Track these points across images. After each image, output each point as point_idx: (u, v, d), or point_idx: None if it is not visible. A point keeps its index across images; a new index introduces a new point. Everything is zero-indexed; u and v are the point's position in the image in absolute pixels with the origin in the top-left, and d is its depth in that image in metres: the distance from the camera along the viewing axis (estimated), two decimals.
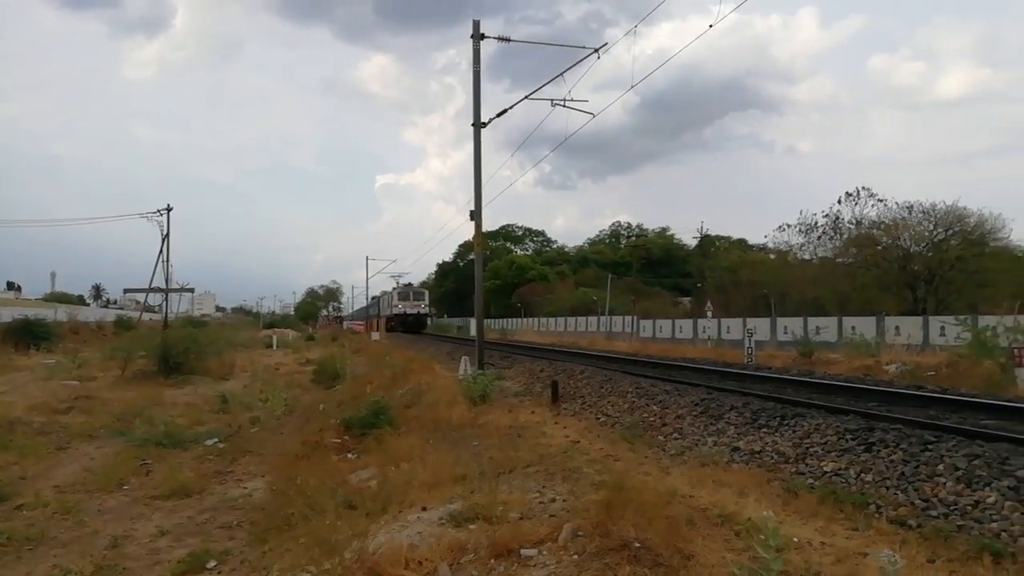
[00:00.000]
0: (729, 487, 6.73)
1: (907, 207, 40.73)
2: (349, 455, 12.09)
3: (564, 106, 18.16)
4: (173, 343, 26.97)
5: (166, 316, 47.96)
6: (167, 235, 46.07)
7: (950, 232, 38.81)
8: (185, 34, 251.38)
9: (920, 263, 38.98)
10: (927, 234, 39.42)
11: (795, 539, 5.29)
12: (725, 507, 6.02)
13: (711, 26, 12.67)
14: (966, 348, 18.66)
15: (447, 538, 6.19)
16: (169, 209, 46.15)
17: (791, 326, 33.80)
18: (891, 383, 13.00)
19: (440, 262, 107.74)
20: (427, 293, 71.90)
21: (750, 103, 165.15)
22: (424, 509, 7.39)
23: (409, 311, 64.74)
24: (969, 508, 5.43)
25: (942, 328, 25.88)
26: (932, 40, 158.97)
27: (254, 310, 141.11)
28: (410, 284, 75.33)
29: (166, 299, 48.00)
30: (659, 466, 7.87)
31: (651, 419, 10.31)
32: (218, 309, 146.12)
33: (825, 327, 31.94)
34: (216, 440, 14.61)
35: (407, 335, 56.95)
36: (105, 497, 10.22)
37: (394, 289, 69.99)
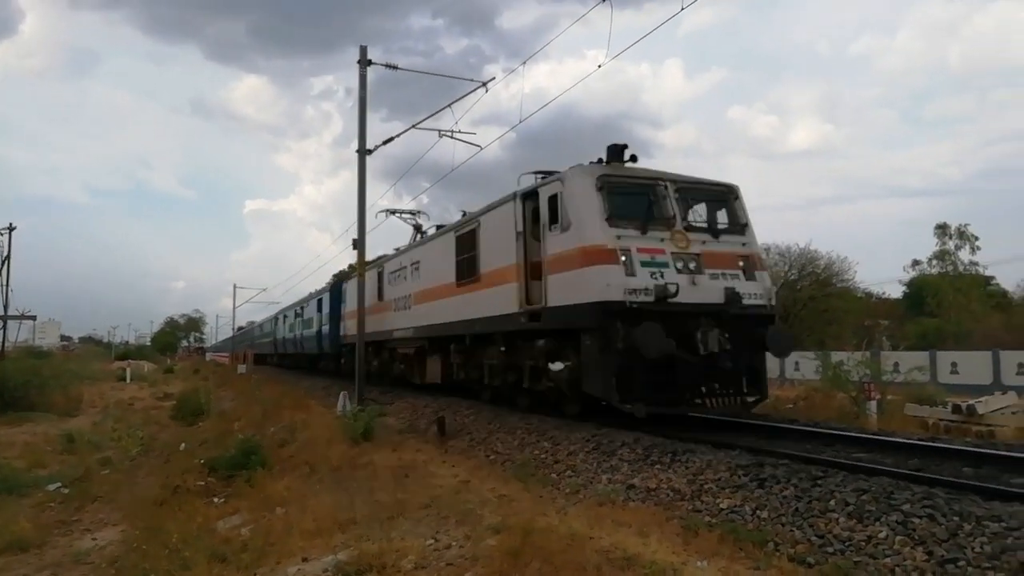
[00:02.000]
0: (628, 526, 6.61)
1: (765, 248, 43.70)
2: (215, 499, 11.15)
3: (452, 137, 18.04)
4: (10, 375, 24.37)
5: (3, 345, 43.29)
6: (7, 256, 41.68)
7: (803, 273, 41.79)
8: (35, 41, 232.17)
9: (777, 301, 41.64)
10: (783, 274, 42.25)
11: None
12: (627, 548, 5.88)
13: (600, 66, 12.84)
14: (821, 382, 19.88)
15: None
16: (11, 228, 41.82)
17: None
18: (766, 416, 13.50)
19: (312, 291, 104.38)
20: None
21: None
22: (305, 560, 6.83)
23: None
24: (863, 544, 5.55)
25: (796, 363, 27.62)
26: (783, 96, 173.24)
27: (105, 340, 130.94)
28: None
29: (3, 327, 43.31)
30: (555, 506, 7.66)
31: (543, 456, 10.12)
32: (64, 338, 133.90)
33: None
34: (60, 485, 13.18)
35: (268, 365, 50.84)
36: None
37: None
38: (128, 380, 43.21)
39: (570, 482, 8.78)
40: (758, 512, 6.59)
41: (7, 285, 41.60)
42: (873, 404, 15.43)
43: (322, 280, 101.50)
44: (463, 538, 6.56)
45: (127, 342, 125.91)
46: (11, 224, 42.01)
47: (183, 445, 16.84)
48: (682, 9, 9.35)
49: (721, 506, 6.95)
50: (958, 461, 8.09)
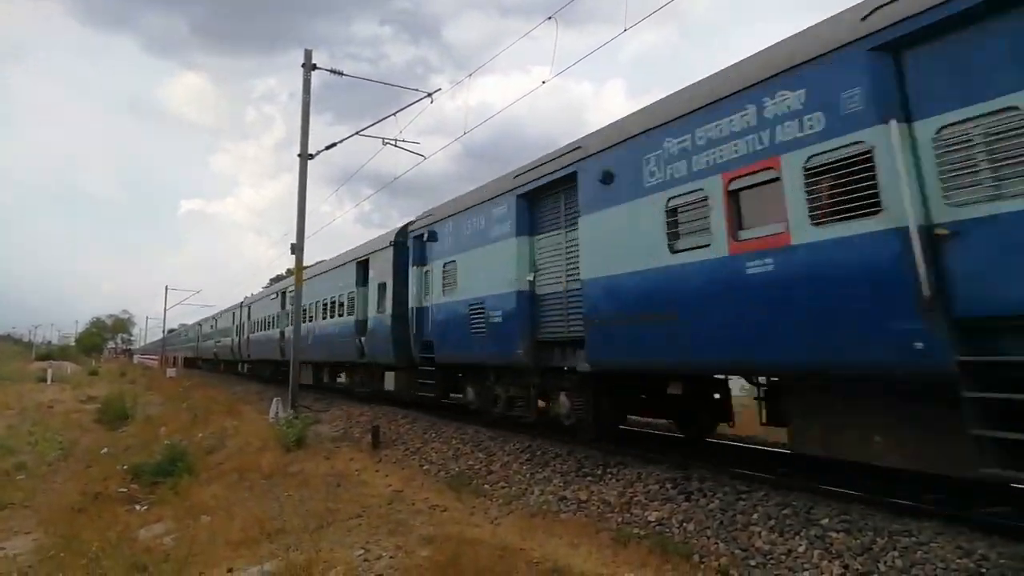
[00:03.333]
0: (560, 538, 6.69)
1: None
2: (138, 507, 10.79)
3: (396, 145, 17.98)
4: None
5: None
6: None
7: None
8: None
9: None
10: None
11: None
12: (558, 560, 5.95)
13: (544, 82, 13.06)
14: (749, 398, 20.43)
15: None
16: None
17: None
18: None
19: (249, 295, 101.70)
20: None
21: None
22: (231, 570, 6.69)
23: None
24: (783, 557, 5.74)
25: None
26: None
27: (26, 339, 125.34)
28: None
29: None
30: (488, 517, 7.69)
31: (477, 467, 10.13)
32: None
33: None
34: None
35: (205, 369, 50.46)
36: None
37: None
38: (49, 381, 41.43)
39: (503, 493, 8.82)
40: (685, 525, 6.75)
41: None
42: None
43: (259, 283, 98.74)
44: (394, 549, 6.52)
45: (49, 342, 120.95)
46: None
47: (105, 450, 16.24)
48: (624, 30, 9.56)
49: (650, 518, 7.08)
50: (872, 477, 8.42)
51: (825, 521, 6.07)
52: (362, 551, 6.49)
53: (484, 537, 6.30)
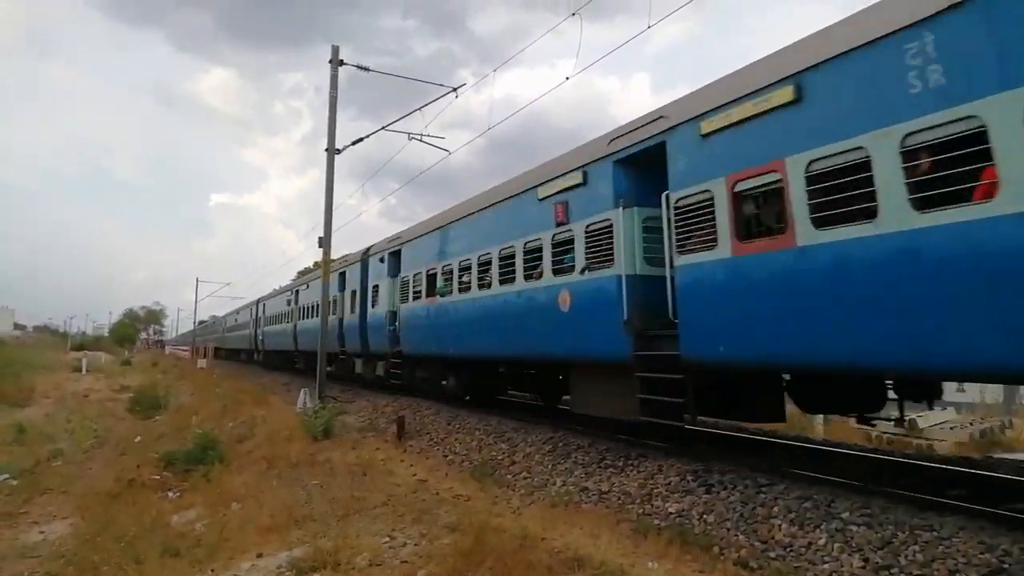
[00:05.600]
0: (581, 528, 6.77)
1: None
2: (171, 493, 11.08)
3: (421, 140, 18.15)
4: None
5: None
6: None
7: None
8: None
9: None
10: None
11: None
12: (578, 549, 6.04)
13: (567, 78, 13.13)
14: None
15: None
16: None
17: None
18: (716, 424, 13.78)
19: (277, 288, 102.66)
20: None
21: None
22: (260, 556, 6.88)
23: None
24: (803, 550, 5.77)
25: None
26: None
27: (62, 330, 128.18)
28: None
29: None
30: (510, 507, 7.80)
31: (500, 457, 10.25)
32: (17, 327, 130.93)
33: None
34: (7, 476, 12.93)
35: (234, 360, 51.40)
36: None
37: None
38: (84, 371, 42.38)
39: (525, 483, 8.93)
40: (705, 517, 6.80)
41: None
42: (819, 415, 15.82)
43: (287, 276, 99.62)
44: (418, 536, 6.66)
45: (84, 332, 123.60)
46: None
47: (138, 438, 16.65)
48: (648, 27, 9.57)
49: (670, 510, 7.14)
50: (896, 472, 8.39)
51: (846, 514, 6.08)
52: (387, 538, 6.64)
53: (506, 526, 6.41)
